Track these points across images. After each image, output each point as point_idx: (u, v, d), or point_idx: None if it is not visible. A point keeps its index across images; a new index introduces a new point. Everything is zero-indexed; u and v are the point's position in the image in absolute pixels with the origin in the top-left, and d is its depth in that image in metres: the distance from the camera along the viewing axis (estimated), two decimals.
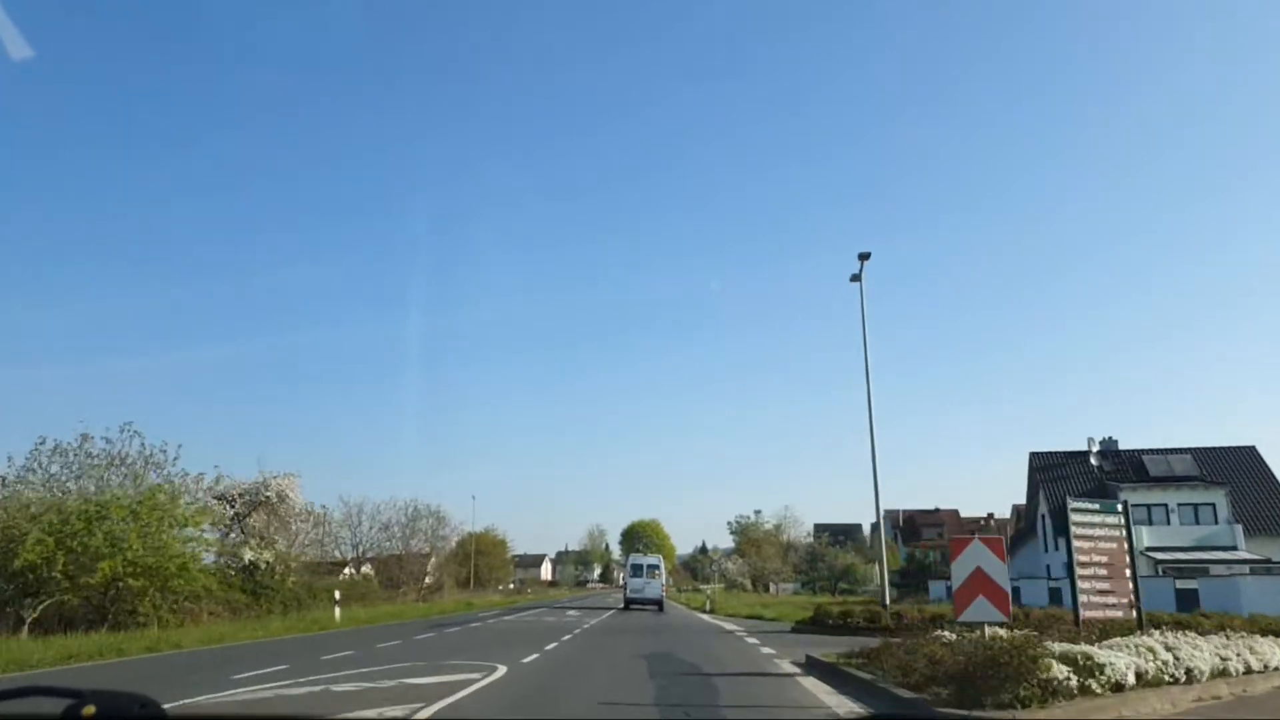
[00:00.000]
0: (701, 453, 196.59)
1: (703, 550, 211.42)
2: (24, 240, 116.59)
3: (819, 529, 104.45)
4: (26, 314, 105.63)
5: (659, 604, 41.51)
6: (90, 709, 1.76)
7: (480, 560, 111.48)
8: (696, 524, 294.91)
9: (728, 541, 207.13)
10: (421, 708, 9.64)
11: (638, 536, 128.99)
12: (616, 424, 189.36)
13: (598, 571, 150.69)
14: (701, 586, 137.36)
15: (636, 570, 43.73)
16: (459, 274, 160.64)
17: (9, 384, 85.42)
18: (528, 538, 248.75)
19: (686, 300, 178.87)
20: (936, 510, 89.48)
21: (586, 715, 9.57)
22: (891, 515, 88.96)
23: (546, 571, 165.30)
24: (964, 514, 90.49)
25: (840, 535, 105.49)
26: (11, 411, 77.65)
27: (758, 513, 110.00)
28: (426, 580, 55.51)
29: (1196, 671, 10.19)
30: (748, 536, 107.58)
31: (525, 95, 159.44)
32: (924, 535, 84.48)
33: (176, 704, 9.85)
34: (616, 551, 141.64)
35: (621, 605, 42.80)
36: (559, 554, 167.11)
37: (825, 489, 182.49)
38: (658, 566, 44.65)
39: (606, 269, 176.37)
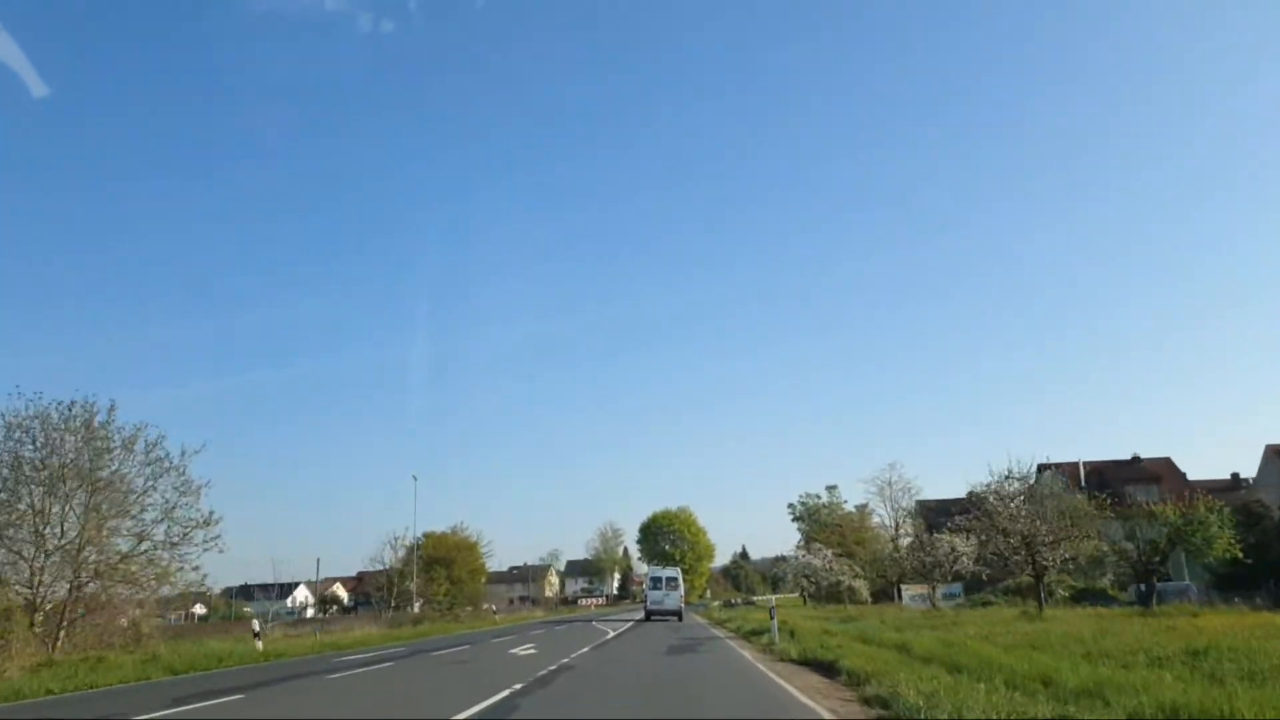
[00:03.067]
0: (740, 455, 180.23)
1: (743, 555, 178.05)
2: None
3: (921, 508, 71.23)
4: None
5: (678, 614, 41.71)
6: None
7: (440, 571, 79.69)
8: (737, 530, 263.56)
9: (770, 549, 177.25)
10: None
11: (661, 533, 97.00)
12: (642, 429, 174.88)
13: (616, 582, 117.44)
14: (754, 598, 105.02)
15: (656, 583, 44.44)
16: (460, 294, 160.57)
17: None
18: (535, 550, 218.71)
19: (711, 309, 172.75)
20: (1137, 460, 56.46)
21: None
22: (1067, 469, 55.80)
23: (551, 584, 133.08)
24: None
25: (942, 515, 72.19)
26: None
27: (831, 489, 77.10)
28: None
29: None
30: (819, 521, 74.85)
31: (528, 112, 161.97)
32: (1127, 496, 51.50)
33: None
34: (636, 554, 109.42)
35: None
36: (569, 564, 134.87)
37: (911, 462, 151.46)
38: (676, 579, 44.94)
39: (614, 284, 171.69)
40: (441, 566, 78.88)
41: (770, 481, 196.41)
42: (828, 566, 44.42)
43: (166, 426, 22.78)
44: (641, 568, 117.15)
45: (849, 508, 73.35)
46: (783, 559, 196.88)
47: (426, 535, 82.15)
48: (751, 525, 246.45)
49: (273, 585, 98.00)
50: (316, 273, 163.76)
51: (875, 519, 66.48)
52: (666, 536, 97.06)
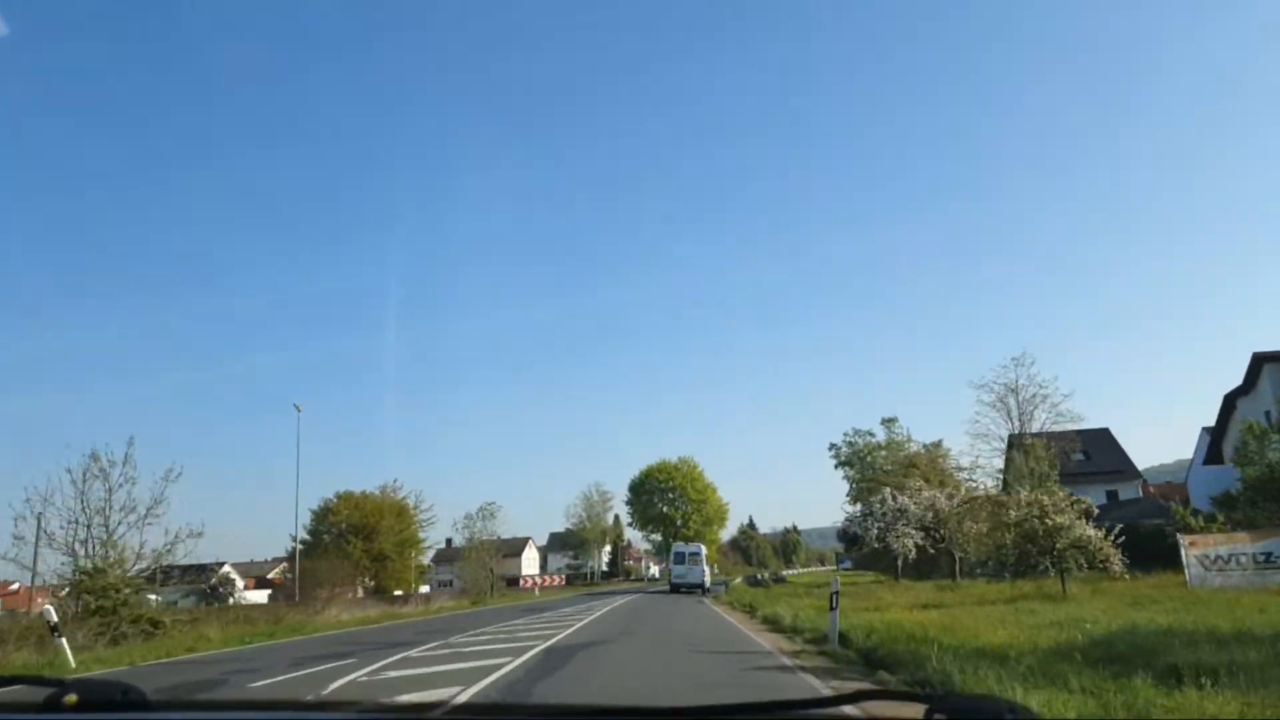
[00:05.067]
0: (742, 428, 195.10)
1: (750, 525, 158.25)
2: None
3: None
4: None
5: (702, 587, 45.56)
6: (72, 697, 1.68)
7: (355, 544, 60.07)
8: (740, 505, 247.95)
9: (771, 522, 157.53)
10: None
11: (657, 491, 76.42)
12: (638, 399, 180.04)
13: (605, 555, 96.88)
14: (783, 574, 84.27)
15: (679, 558, 48.69)
16: (440, 280, 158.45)
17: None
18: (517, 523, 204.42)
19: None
20: None
21: None
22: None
23: (530, 562, 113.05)
24: None
25: (1089, 448, 51.16)
26: None
27: (889, 422, 55.96)
28: None
29: None
30: (872, 465, 54.34)
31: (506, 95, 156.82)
32: None
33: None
34: (627, 520, 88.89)
35: None
36: (550, 537, 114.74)
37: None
38: (699, 554, 49.42)
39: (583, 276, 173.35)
40: (357, 537, 58.63)
41: (774, 452, 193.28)
42: (954, 507, 23.44)
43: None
44: (635, 536, 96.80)
45: (916, 447, 52.75)
46: (794, 530, 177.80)
47: (341, 496, 61.78)
48: (754, 499, 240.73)
49: (202, 566, 77.20)
50: (286, 262, 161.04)
51: (966, 455, 45.62)
52: (664, 495, 76.59)
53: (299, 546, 57.32)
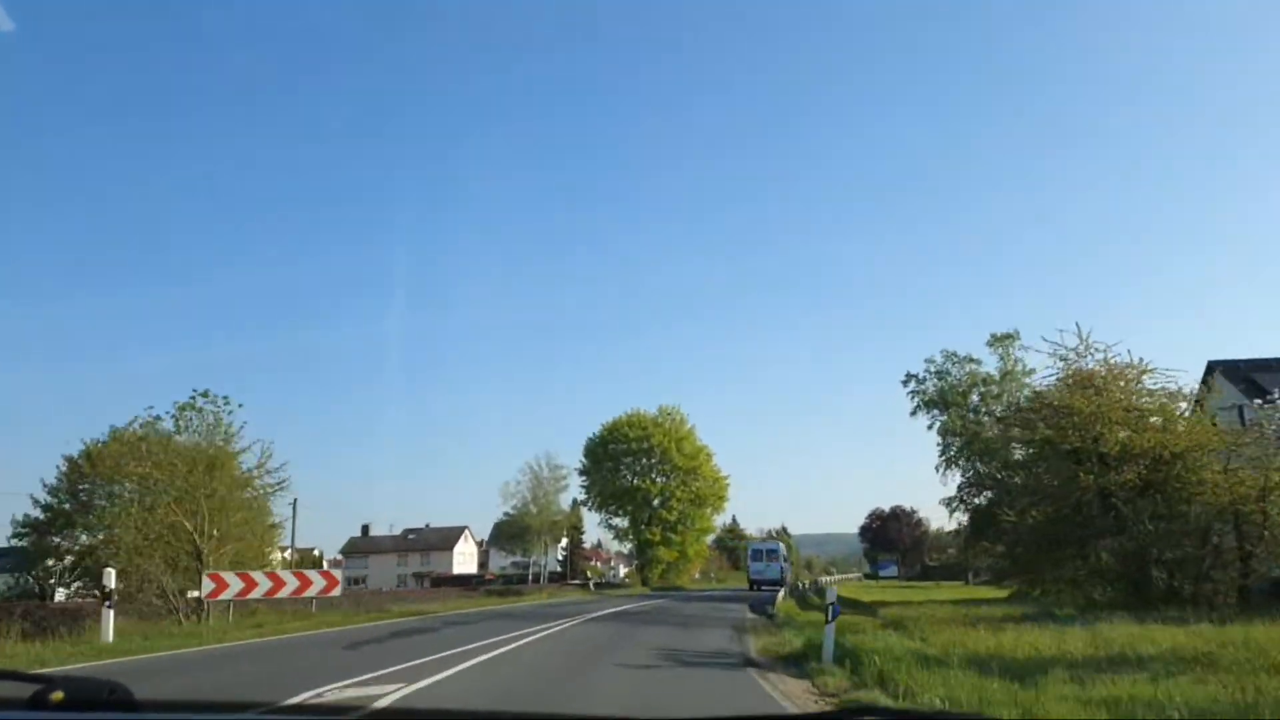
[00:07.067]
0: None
1: (734, 524, 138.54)
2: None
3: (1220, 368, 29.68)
4: None
5: (780, 583, 43.85)
6: (59, 695, 1.68)
7: (125, 512, 36.56)
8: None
9: (767, 521, 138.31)
10: None
11: (624, 452, 55.53)
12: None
13: (560, 550, 74.80)
14: (821, 580, 64.10)
15: (756, 555, 54.59)
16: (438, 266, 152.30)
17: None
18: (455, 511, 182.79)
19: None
20: None
21: None
22: None
23: (465, 559, 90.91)
24: None
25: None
26: None
27: (1003, 339, 34.36)
28: None
29: None
30: (966, 408, 33.16)
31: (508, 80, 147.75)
32: None
33: None
34: (583, 494, 67.20)
35: None
36: (495, 528, 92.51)
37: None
38: (777, 551, 55.51)
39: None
40: (135, 503, 36.34)
41: (757, 454, 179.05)
42: None
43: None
44: (598, 528, 75.18)
45: (1044, 377, 31.49)
46: (785, 532, 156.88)
47: (116, 436, 39.34)
48: (736, 500, 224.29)
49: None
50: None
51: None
52: (634, 464, 55.75)
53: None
